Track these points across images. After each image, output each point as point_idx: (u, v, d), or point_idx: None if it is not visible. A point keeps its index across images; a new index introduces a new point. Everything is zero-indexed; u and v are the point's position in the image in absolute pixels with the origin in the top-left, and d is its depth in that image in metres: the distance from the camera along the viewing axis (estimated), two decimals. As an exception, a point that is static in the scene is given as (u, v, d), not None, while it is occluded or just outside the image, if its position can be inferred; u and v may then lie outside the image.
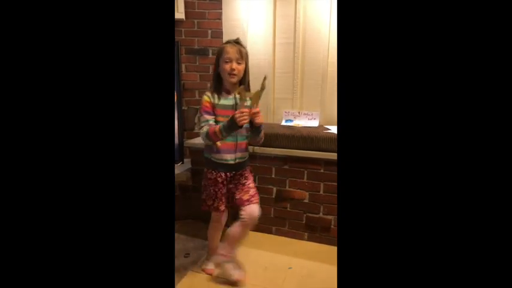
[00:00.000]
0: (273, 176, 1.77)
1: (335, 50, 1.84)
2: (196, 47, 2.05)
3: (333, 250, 1.66)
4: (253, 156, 1.61)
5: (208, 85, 2.08)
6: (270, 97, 2.03)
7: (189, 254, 1.63)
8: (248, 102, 1.21)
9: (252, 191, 1.36)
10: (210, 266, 1.49)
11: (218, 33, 2.03)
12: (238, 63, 1.23)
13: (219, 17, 2.01)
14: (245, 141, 1.35)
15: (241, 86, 1.26)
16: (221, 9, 2.00)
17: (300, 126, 1.90)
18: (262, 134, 1.31)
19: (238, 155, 1.32)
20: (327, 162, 1.65)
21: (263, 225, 1.82)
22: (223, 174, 1.32)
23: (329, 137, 1.63)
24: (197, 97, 2.12)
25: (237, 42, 1.26)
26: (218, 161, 1.31)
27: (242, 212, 1.32)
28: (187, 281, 1.43)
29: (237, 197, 1.34)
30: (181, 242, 1.74)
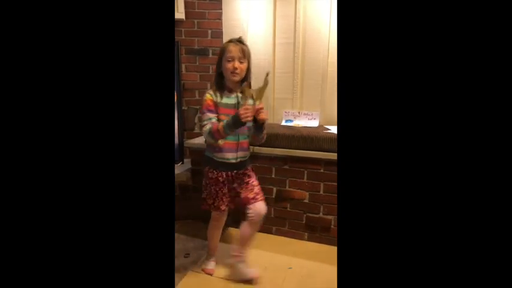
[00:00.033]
0: (273, 176, 1.77)
1: (335, 50, 1.84)
2: (196, 47, 2.05)
3: (333, 250, 1.66)
4: (253, 156, 1.60)
5: (208, 85, 2.09)
6: (270, 97, 2.04)
7: (189, 254, 1.63)
8: (251, 101, 1.21)
9: (257, 189, 1.36)
10: (210, 266, 1.49)
11: (218, 33, 2.03)
12: (241, 62, 1.23)
13: (219, 17, 2.01)
14: (247, 140, 1.35)
15: (245, 83, 1.25)
16: (221, 9, 2.00)
17: (300, 126, 1.90)
18: (265, 131, 1.31)
19: (240, 154, 1.32)
20: (327, 162, 1.65)
21: (263, 225, 1.82)
22: (224, 174, 1.32)
23: (329, 137, 1.63)
24: (197, 97, 2.12)
25: (239, 41, 1.26)
26: (220, 160, 1.31)
27: (249, 211, 1.33)
28: (187, 281, 1.43)
29: (242, 195, 1.34)
30: (181, 242, 1.74)
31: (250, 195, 1.34)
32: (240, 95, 1.27)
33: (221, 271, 1.48)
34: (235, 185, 1.34)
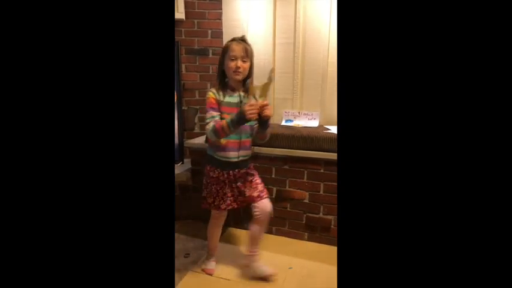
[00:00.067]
0: (273, 176, 1.77)
1: (335, 50, 1.84)
2: (196, 47, 2.05)
3: (333, 250, 1.66)
4: (253, 156, 1.60)
5: (209, 85, 2.09)
6: (270, 97, 2.04)
7: (189, 254, 1.63)
8: (253, 101, 1.20)
9: (260, 187, 1.36)
10: (210, 266, 1.49)
11: (218, 33, 2.03)
12: (244, 61, 1.23)
13: (219, 17, 2.01)
14: (249, 139, 1.34)
15: (250, 79, 1.25)
16: (221, 9, 2.00)
17: (300, 126, 1.90)
18: (269, 129, 1.30)
19: (242, 153, 1.32)
20: (327, 162, 1.64)
21: (263, 225, 1.82)
22: (225, 173, 1.32)
23: (329, 137, 1.63)
24: (197, 97, 2.12)
25: (242, 40, 1.25)
26: (221, 159, 1.31)
27: (255, 209, 1.33)
28: (187, 281, 1.43)
29: (247, 194, 1.34)
30: (181, 242, 1.74)
31: (255, 194, 1.34)
32: (242, 94, 1.27)
33: (221, 271, 1.48)
34: (238, 183, 1.34)
